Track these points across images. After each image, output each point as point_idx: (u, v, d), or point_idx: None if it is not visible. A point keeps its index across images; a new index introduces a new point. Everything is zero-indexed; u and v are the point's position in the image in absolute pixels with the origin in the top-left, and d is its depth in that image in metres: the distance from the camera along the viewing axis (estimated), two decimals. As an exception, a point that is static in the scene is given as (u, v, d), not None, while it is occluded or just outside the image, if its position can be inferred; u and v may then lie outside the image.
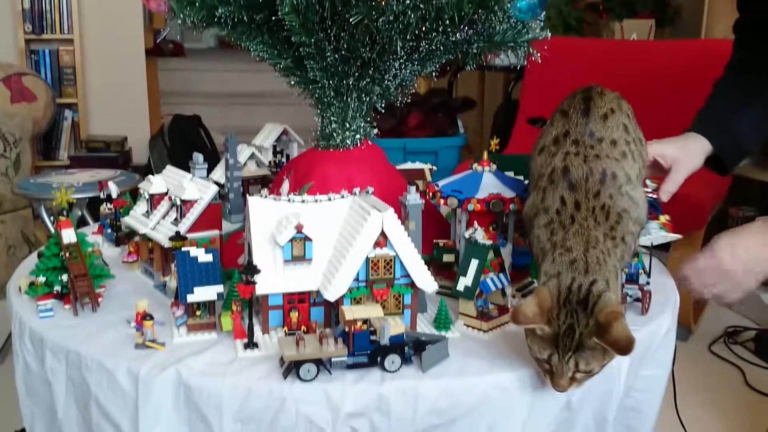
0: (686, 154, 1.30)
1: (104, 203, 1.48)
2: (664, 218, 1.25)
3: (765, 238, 1.23)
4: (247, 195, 1.15)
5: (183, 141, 4.10)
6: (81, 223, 2.62)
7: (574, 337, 0.91)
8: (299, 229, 1.02)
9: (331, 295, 1.00)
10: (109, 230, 1.45)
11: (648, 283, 1.18)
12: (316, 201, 1.08)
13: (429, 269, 1.05)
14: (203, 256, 1.04)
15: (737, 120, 1.36)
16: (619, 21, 3.83)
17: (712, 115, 1.38)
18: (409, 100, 1.37)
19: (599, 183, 1.02)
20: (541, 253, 1.03)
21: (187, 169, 1.36)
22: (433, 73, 1.33)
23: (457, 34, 1.18)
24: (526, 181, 1.21)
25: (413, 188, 1.18)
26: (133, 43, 4.04)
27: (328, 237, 1.06)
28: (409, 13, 1.06)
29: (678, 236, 1.31)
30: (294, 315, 1.03)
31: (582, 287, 0.94)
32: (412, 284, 1.04)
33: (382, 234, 1.00)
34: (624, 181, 1.04)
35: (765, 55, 1.40)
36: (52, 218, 2.69)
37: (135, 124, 4.06)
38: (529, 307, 0.93)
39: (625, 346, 0.88)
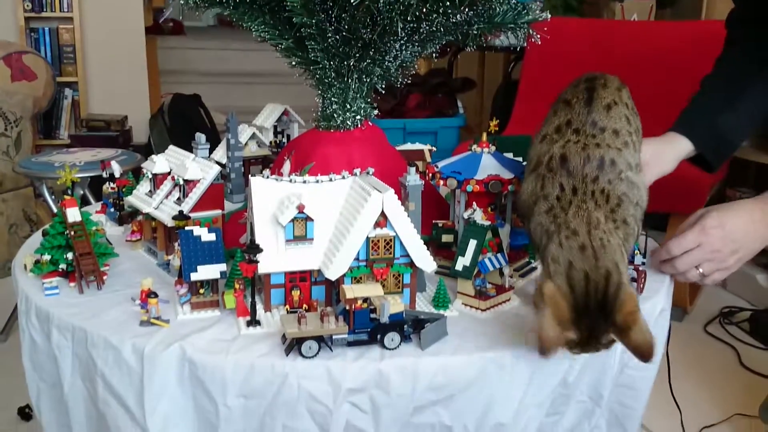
0: (657, 157, 1.30)
1: (107, 182, 1.49)
2: None
3: (753, 216, 1.22)
4: (249, 175, 1.16)
5: (183, 120, 4.09)
6: (83, 202, 2.63)
7: (598, 345, 0.94)
8: (301, 209, 1.03)
9: (332, 274, 1.02)
10: (111, 209, 1.46)
11: (643, 263, 1.19)
12: (317, 181, 1.09)
13: (428, 249, 1.06)
14: (206, 235, 1.05)
15: (722, 117, 1.35)
16: (620, 1, 3.81)
17: (696, 113, 1.38)
18: (409, 81, 1.37)
19: (597, 168, 1.02)
20: (545, 236, 1.02)
21: (188, 149, 1.37)
22: (433, 54, 1.34)
23: (458, 16, 1.18)
24: (525, 163, 1.22)
25: (413, 169, 1.19)
26: (133, 21, 4.02)
27: (329, 217, 1.07)
28: (410, -6, 1.06)
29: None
30: (296, 293, 1.05)
31: (598, 287, 0.93)
32: (412, 264, 1.06)
33: (383, 214, 1.01)
34: (624, 167, 1.05)
35: (754, 50, 1.40)
36: (53, 197, 2.69)
37: (135, 103, 4.04)
38: (551, 330, 0.91)
39: (645, 354, 0.91)
